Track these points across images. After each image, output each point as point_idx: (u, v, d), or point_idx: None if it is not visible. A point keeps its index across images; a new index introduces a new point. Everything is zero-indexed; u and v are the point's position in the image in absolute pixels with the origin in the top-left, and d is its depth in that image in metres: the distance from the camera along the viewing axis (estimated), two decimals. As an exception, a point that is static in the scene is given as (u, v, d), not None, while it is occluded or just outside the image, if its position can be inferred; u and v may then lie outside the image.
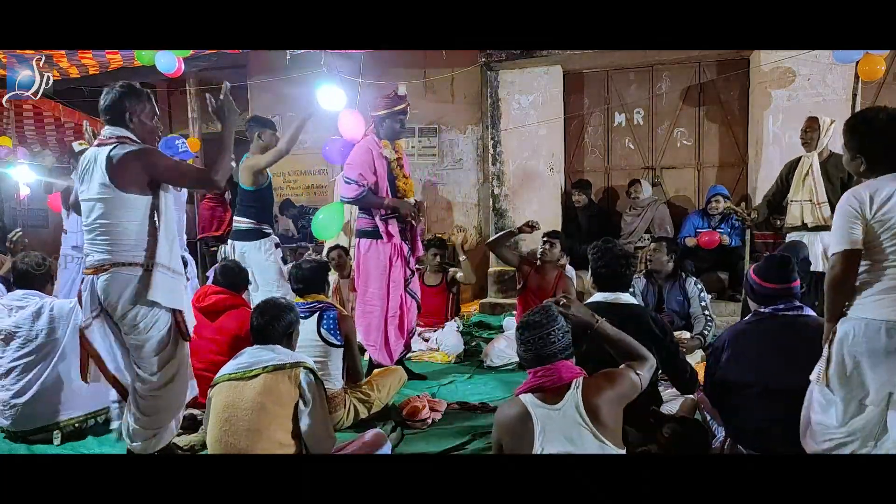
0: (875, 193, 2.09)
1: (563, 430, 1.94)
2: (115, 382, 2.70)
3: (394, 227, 4.04)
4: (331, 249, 5.53)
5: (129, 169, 2.50)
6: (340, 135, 5.12)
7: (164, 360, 2.62)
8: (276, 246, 4.38)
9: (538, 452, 1.94)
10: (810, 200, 4.34)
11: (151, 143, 2.73)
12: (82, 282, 2.64)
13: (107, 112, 2.62)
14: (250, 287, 4.22)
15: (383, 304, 4.08)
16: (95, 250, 2.56)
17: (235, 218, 4.53)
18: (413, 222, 4.16)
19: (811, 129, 4.53)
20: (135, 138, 2.62)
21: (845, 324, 2.13)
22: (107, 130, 2.62)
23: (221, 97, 2.69)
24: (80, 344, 2.66)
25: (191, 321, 2.75)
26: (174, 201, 4.17)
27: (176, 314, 2.64)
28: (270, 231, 4.43)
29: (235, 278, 3.65)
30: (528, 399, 2.03)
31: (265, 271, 4.28)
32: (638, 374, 2.12)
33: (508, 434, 2.06)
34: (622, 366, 2.18)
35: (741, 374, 2.47)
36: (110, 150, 2.52)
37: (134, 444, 2.66)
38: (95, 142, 2.65)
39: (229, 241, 4.57)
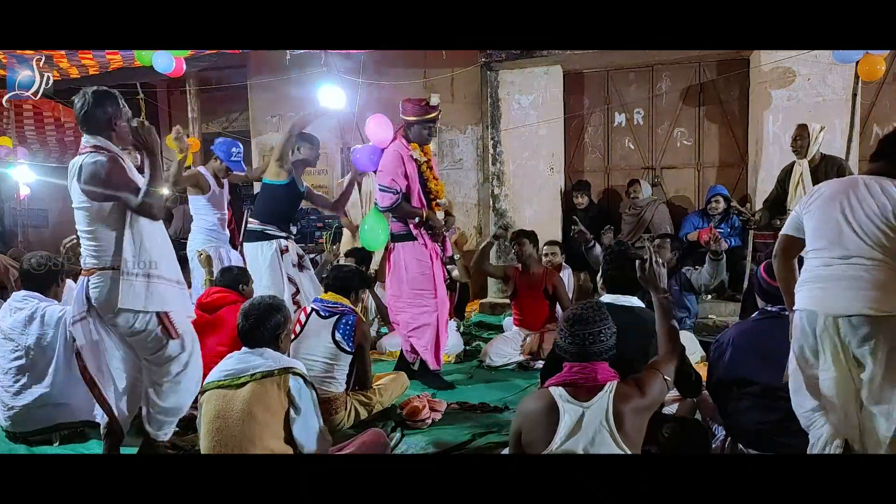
0: (814, 191, 2.31)
1: (587, 429, 1.93)
2: (91, 383, 2.75)
3: (426, 236, 4.05)
4: (349, 254, 5.25)
5: (95, 180, 2.56)
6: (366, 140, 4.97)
7: (173, 352, 2.74)
8: (284, 251, 4.20)
9: (556, 446, 1.92)
10: None
11: (128, 144, 2.75)
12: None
13: (82, 122, 2.65)
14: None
15: (434, 303, 4.01)
16: (86, 254, 2.67)
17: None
18: (444, 233, 4.15)
19: (801, 138, 4.56)
20: (108, 146, 2.65)
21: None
22: (84, 139, 2.67)
23: (142, 131, 2.68)
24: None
25: (182, 320, 2.81)
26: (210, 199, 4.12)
27: (161, 316, 2.69)
28: (277, 234, 4.21)
29: (233, 278, 3.76)
30: (557, 392, 2.00)
31: (261, 276, 4.16)
32: (667, 379, 2.11)
33: (531, 423, 2.03)
34: (651, 369, 2.14)
35: (744, 372, 2.48)
36: (83, 160, 2.58)
37: (158, 432, 2.81)
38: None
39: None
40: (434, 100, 4.02)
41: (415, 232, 4.01)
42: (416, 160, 4.02)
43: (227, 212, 4.96)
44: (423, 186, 4.06)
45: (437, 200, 4.13)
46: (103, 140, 2.64)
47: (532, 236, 4.90)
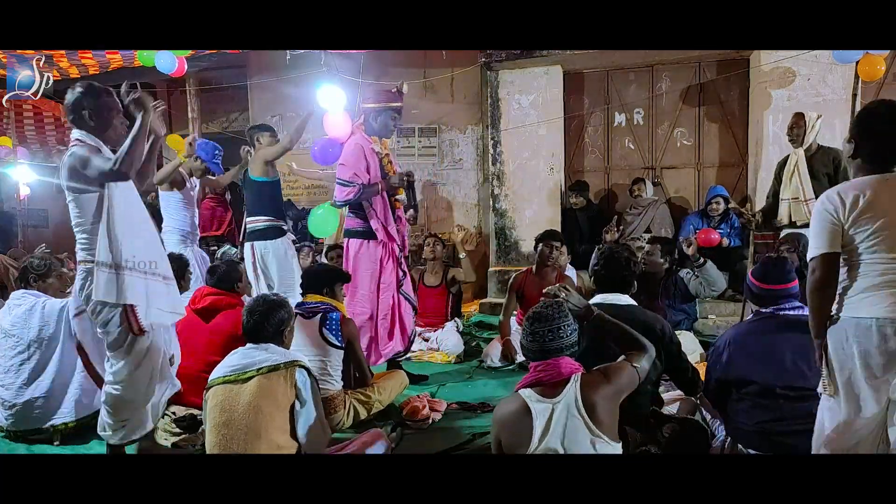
0: (846, 195, 2.08)
1: (561, 423, 1.96)
2: (94, 373, 2.79)
3: (385, 216, 3.91)
4: (330, 249, 5.43)
5: (72, 171, 2.59)
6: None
7: (122, 356, 2.69)
8: (294, 243, 4.31)
9: (535, 446, 1.95)
10: (796, 199, 4.37)
11: (118, 140, 2.72)
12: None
13: (68, 115, 2.70)
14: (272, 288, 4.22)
15: (372, 307, 3.93)
16: (78, 248, 2.68)
17: (250, 218, 4.43)
18: (411, 181, 4.08)
19: (797, 126, 4.53)
20: (89, 140, 2.66)
21: (837, 327, 2.10)
22: (72, 132, 2.71)
23: (136, 95, 2.61)
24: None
25: (158, 316, 2.76)
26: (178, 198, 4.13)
27: (126, 309, 2.64)
28: (287, 228, 4.32)
29: (225, 277, 3.56)
30: (527, 394, 2.05)
31: (289, 272, 4.12)
32: (635, 366, 2.13)
33: (507, 430, 2.06)
34: (621, 359, 2.17)
35: (742, 373, 2.47)
36: (67, 154, 2.62)
37: (105, 433, 2.77)
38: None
39: (246, 245, 4.44)
40: (405, 87, 3.98)
41: (375, 227, 3.87)
42: (377, 153, 3.94)
43: (196, 210, 4.95)
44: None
45: (397, 196, 4.06)
46: (84, 134, 2.66)
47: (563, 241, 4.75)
